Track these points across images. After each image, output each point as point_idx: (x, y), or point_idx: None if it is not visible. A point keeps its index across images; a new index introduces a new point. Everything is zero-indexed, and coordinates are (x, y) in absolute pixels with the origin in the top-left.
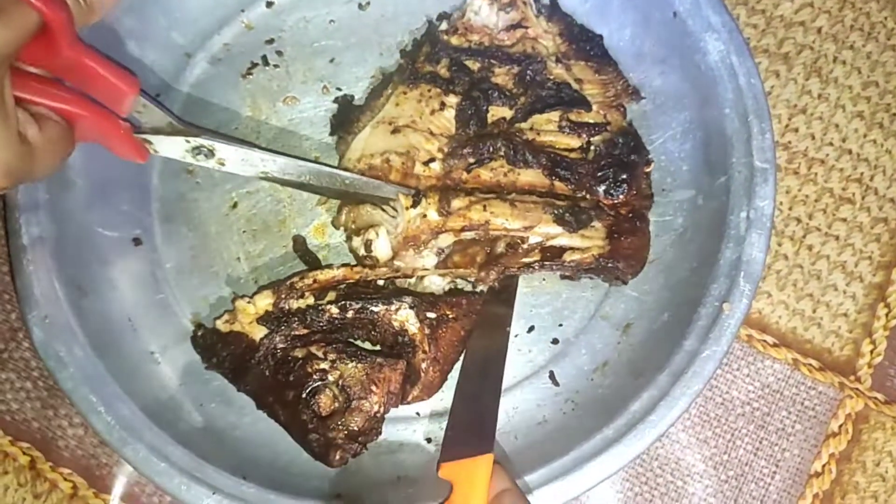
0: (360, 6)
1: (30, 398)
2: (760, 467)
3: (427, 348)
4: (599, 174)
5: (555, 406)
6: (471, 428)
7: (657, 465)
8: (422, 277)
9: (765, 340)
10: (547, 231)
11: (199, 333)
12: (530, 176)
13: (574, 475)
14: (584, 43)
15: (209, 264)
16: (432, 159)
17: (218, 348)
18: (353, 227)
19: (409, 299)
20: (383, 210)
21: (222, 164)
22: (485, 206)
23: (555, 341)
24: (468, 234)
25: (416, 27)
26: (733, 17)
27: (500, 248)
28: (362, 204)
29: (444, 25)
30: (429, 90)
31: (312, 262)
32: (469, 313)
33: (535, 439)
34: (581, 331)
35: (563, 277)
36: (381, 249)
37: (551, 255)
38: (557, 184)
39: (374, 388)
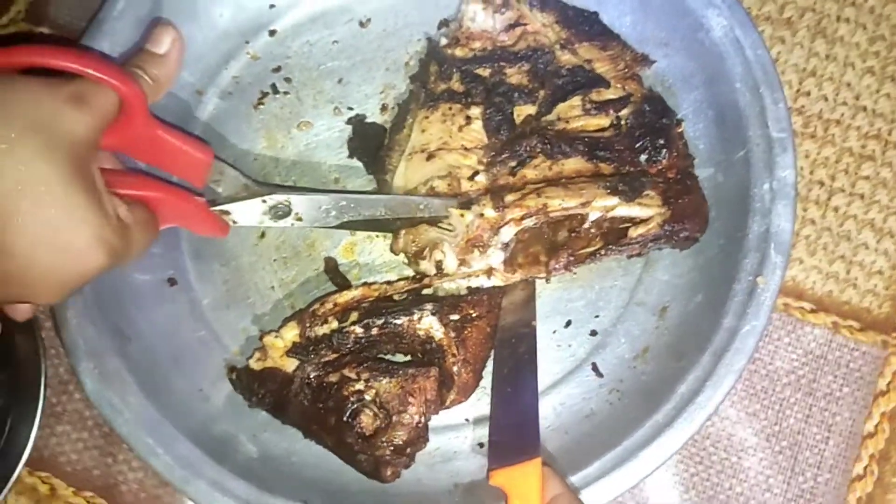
0: (361, 24)
1: (87, 447)
2: (813, 434)
3: (455, 351)
4: (637, 145)
5: (601, 397)
6: (514, 433)
7: (709, 443)
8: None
9: (802, 307)
10: (604, 204)
11: (235, 375)
12: (573, 164)
13: (629, 465)
14: (582, 24)
15: (245, 296)
16: (476, 172)
17: (256, 387)
18: (414, 248)
19: (430, 306)
20: (439, 226)
21: (300, 220)
22: (538, 193)
23: (593, 333)
24: (529, 222)
25: (417, 38)
26: None
27: (562, 235)
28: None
29: (444, 40)
30: (449, 108)
31: (342, 283)
32: (492, 308)
33: (585, 433)
34: (618, 320)
35: (629, 257)
36: (451, 264)
37: (615, 237)
38: (601, 165)
39: (411, 399)
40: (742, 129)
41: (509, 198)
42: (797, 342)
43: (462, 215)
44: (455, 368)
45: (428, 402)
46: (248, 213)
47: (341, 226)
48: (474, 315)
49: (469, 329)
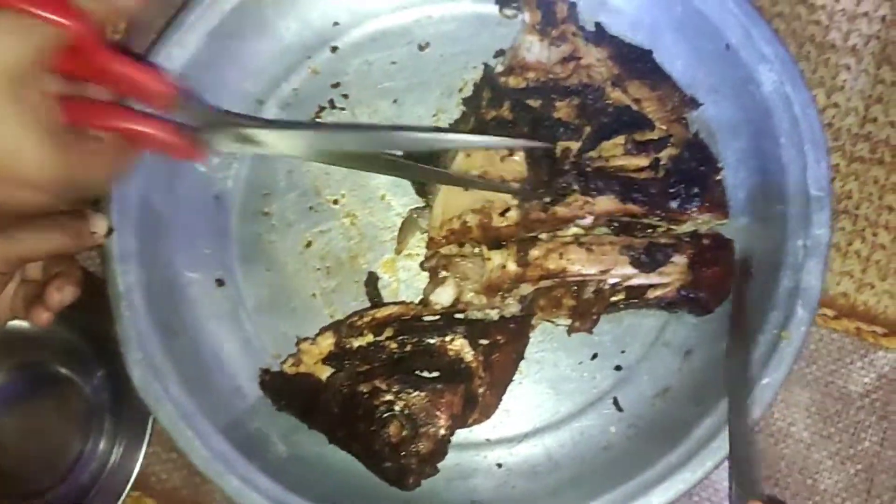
0: (420, 47)
1: (177, 467)
2: (889, 458)
3: (482, 374)
4: (671, 191)
5: (619, 431)
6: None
7: (784, 465)
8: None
9: (874, 331)
10: (623, 272)
11: (267, 378)
12: (605, 203)
13: (640, 500)
14: (635, 61)
15: (287, 301)
16: (508, 208)
17: (286, 391)
18: (441, 272)
19: (461, 328)
20: (472, 262)
21: (272, 149)
22: (561, 255)
23: (618, 368)
24: (546, 283)
25: (473, 66)
26: (787, 48)
27: (588, 293)
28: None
29: (499, 67)
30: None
31: (377, 299)
32: (519, 335)
33: (600, 464)
34: (643, 357)
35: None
36: (444, 300)
37: (636, 294)
38: (632, 206)
39: (438, 413)
40: (783, 184)
41: (533, 253)
42: (870, 366)
43: (489, 258)
44: (480, 390)
45: (454, 416)
46: (221, 140)
47: (327, 160)
48: (502, 341)
49: (497, 354)
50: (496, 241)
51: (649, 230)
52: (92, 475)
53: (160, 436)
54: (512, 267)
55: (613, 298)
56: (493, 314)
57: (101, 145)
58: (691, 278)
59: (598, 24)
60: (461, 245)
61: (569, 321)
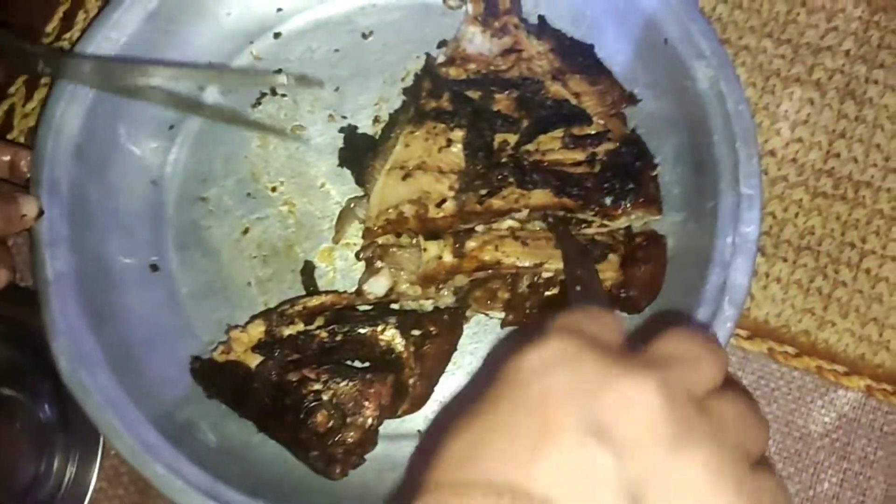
0: (363, 35)
1: (123, 503)
2: (848, 499)
3: (413, 364)
4: (605, 185)
5: None
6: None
7: None
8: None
9: (835, 370)
10: (557, 267)
11: (197, 365)
12: (540, 196)
13: None
14: (577, 55)
15: (222, 289)
16: (444, 200)
17: (216, 378)
18: (376, 263)
19: (393, 319)
20: (408, 252)
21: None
22: (496, 247)
23: None
24: (480, 275)
25: (416, 55)
26: (723, 46)
27: (523, 287)
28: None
29: (441, 58)
30: (434, 127)
31: (312, 288)
32: (453, 327)
33: None
34: None
35: None
36: (378, 290)
37: None
38: (566, 200)
39: (366, 402)
40: (715, 181)
41: (469, 244)
42: (830, 405)
43: (426, 249)
44: (411, 380)
45: (382, 406)
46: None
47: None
48: (434, 332)
49: (428, 345)
50: (432, 232)
51: (583, 225)
52: (48, 494)
53: (108, 471)
54: (448, 258)
55: (548, 293)
56: (428, 305)
57: None
58: (623, 277)
59: (540, 17)
60: (398, 235)
61: (503, 314)
